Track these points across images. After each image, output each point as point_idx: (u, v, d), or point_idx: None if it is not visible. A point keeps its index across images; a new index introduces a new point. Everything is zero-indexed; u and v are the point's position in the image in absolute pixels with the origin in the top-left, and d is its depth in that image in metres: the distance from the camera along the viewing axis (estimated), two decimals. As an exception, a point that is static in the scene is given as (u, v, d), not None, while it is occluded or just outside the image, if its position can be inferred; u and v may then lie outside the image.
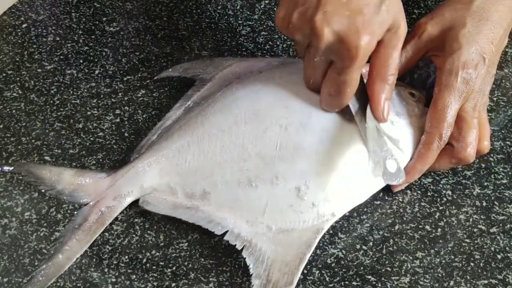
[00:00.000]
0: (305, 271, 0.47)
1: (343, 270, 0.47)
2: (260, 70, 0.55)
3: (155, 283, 0.46)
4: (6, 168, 0.52)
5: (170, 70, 0.59)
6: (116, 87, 0.59)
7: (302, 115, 0.49)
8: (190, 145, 0.49)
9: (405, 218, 0.50)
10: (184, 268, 0.47)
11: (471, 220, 0.50)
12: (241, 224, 0.47)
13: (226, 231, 0.47)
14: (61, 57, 0.62)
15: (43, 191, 0.50)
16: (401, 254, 0.48)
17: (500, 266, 0.47)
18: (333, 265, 0.47)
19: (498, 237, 0.49)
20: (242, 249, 0.46)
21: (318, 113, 0.49)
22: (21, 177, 0.51)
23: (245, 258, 0.46)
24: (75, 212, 0.49)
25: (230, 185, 0.48)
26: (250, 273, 0.45)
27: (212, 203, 0.48)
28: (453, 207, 0.51)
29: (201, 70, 0.57)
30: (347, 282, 0.46)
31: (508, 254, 0.48)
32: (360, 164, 0.48)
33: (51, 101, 0.58)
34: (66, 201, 0.50)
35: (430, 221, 0.50)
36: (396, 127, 0.50)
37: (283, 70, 0.54)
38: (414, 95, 0.53)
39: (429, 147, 0.49)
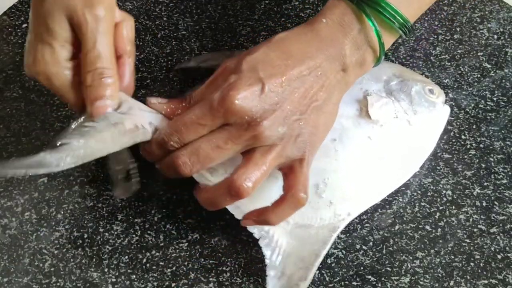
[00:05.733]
0: (305, 271, 0.47)
1: (343, 270, 0.47)
2: None
3: (155, 283, 0.46)
4: None
5: (190, 61, 0.59)
6: (116, 87, 0.59)
7: None
8: None
9: (405, 218, 0.50)
10: (184, 268, 0.47)
11: (471, 220, 0.50)
12: None
13: None
14: (61, 57, 0.61)
15: None
16: (401, 254, 0.48)
17: (500, 266, 0.47)
18: (333, 265, 0.47)
19: (498, 237, 0.49)
20: (259, 239, 0.47)
21: (338, 110, 0.49)
22: None
23: (261, 247, 0.46)
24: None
25: None
26: (265, 263, 0.45)
27: None
28: (453, 207, 0.51)
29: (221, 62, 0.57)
30: (347, 282, 0.46)
31: (508, 254, 0.48)
32: (377, 164, 0.49)
33: (51, 101, 0.58)
34: (66, 201, 0.50)
35: (430, 221, 0.50)
36: (413, 126, 0.51)
37: None
38: (433, 91, 0.53)
39: None
